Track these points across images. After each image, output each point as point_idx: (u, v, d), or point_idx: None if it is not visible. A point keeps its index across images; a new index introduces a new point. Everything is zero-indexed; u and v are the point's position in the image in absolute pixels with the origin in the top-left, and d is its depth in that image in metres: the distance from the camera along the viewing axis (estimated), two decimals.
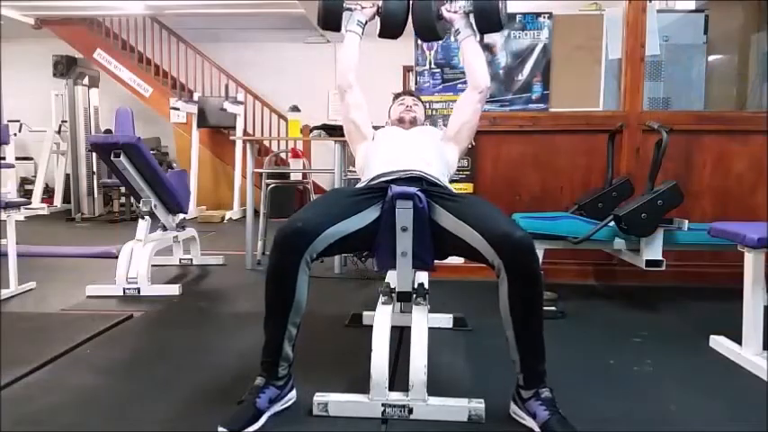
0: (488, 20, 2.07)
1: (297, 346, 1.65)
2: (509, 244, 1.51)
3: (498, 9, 2.03)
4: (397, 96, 2.41)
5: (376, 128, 2.30)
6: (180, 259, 3.83)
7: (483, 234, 1.56)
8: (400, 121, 2.29)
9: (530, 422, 1.55)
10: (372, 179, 1.89)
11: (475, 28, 2.13)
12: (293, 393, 1.69)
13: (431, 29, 2.18)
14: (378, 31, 2.22)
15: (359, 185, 1.95)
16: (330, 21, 2.15)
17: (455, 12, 2.15)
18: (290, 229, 1.56)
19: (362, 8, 2.20)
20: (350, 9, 2.18)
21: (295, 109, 3.91)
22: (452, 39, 2.39)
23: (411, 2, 2.16)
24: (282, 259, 1.57)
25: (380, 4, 2.18)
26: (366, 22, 2.21)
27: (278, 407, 1.63)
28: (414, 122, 2.29)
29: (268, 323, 1.62)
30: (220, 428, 1.50)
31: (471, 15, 2.11)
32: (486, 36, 3.44)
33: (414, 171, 1.87)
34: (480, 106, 2.18)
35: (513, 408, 1.62)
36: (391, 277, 2.01)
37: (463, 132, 2.19)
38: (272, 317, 1.61)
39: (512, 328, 1.56)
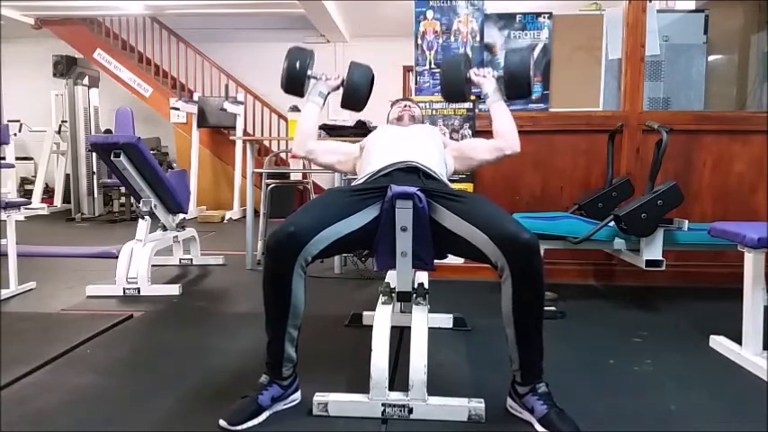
0: (519, 87, 2.09)
1: (297, 346, 1.65)
2: (516, 245, 1.51)
3: (530, 77, 2.04)
4: (394, 103, 2.43)
5: (368, 132, 2.30)
6: (180, 259, 3.83)
7: (488, 234, 1.55)
8: (399, 120, 2.30)
9: (527, 416, 1.57)
10: (371, 174, 1.89)
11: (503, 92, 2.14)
12: (298, 394, 1.69)
13: (459, 92, 2.20)
14: (340, 102, 2.22)
15: (356, 182, 1.94)
16: (292, 88, 2.16)
17: (483, 76, 2.16)
18: (282, 233, 1.55)
19: (326, 79, 2.20)
20: (315, 78, 2.18)
21: (295, 109, 3.91)
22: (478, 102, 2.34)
23: (441, 64, 2.16)
24: (275, 265, 1.56)
25: (344, 76, 2.18)
26: (328, 94, 2.22)
27: (281, 406, 1.64)
28: (412, 120, 2.31)
29: (268, 326, 1.62)
30: (221, 421, 1.52)
31: (500, 80, 2.12)
32: (486, 36, 3.44)
33: (411, 161, 1.88)
34: (494, 162, 2.18)
35: (510, 403, 1.64)
36: (391, 277, 2.01)
37: (465, 164, 2.22)
38: (271, 321, 1.61)
39: (513, 327, 1.56)
